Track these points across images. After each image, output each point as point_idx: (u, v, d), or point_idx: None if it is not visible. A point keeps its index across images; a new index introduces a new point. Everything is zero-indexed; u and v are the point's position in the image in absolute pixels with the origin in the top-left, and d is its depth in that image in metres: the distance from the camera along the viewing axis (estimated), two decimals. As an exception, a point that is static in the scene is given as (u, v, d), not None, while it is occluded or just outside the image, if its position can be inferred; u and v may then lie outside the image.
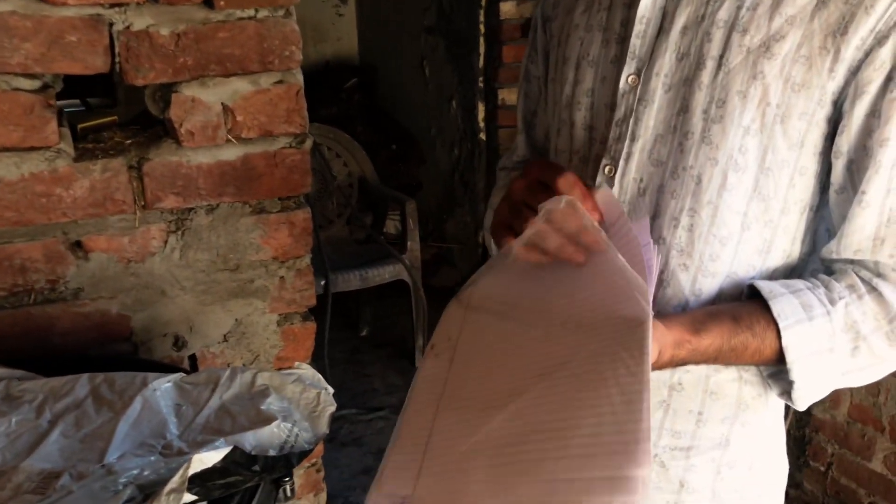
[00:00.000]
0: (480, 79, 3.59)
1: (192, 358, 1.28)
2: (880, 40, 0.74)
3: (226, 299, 1.28)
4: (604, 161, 0.88)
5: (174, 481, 0.72)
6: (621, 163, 0.86)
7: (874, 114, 0.76)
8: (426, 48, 4.01)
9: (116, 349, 1.22)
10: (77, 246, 1.17)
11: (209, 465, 0.77)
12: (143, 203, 1.19)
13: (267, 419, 0.92)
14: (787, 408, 0.92)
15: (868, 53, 0.75)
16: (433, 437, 0.71)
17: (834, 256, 0.82)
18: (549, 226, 0.76)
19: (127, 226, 1.19)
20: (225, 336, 1.29)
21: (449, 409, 0.72)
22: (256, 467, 0.81)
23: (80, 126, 1.22)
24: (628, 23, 0.87)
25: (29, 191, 1.11)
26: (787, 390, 0.84)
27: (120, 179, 1.16)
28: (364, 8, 4.62)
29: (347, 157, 3.43)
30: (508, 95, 3.50)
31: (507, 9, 3.38)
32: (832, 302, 0.79)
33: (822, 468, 2.46)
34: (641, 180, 0.86)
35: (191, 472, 0.74)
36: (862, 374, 0.82)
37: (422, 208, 3.55)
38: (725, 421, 0.90)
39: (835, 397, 2.38)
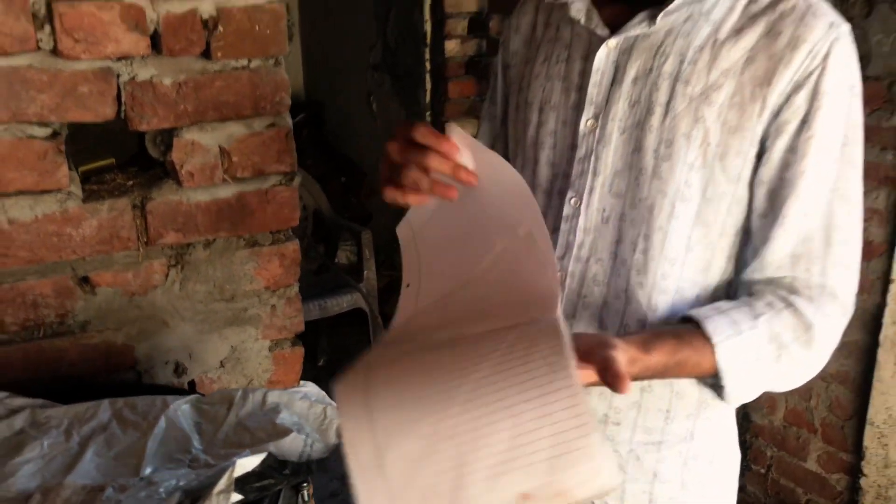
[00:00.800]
0: (428, 113, 3.74)
1: (191, 384, 1.36)
2: (797, 89, 0.89)
3: (222, 327, 1.37)
4: (570, 194, 1.01)
5: (221, 483, 0.82)
6: (585, 195, 1.00)
7: (792, 150, 0.90)
8: (373, 84, 4.15)
9: (122, 377, 1.29)
10: (85, 281, 1.25)
11: (249, 469, 0.86)
12: (146, 240, 1.28)
13: (284, 431, 1.02)
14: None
15: (787, 99, 0.89)
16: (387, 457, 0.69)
17: (756, 276, 0.94)
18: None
19: (131, 261, 1.27)
20: (221, 362, 1.38)
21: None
22: (287, 471, 0.91)
23: (81, 169, 1.30)
24: (585, 74, 1.00)
25: (42, 231, 1.19)
26: (723, 395, 0.95)
27: (125, 218, 1.25)
28: (309, 46, 4.74)
29: (302, 191, 3.52)
30: (455, 128, 3.66)
31: (451, 47, 3.55)
32: (755, 318, 0.90)
33: (763, 471, 2.64)
34: (604, 210, 0.99)
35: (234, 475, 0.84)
36: (787, 378, 0.95)
37: (373, 238, 3.66)
38: (690, 417, 1.03)
39: (771, 404, 2.58)
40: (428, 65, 3.66)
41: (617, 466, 0.70)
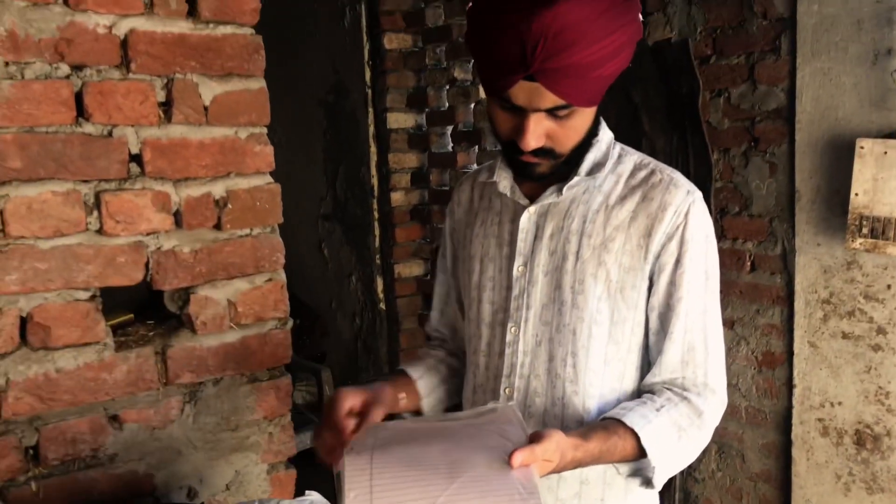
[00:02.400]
0: (377, 257, 4.07)
1: (201, 506, 1.56)
2: (669, 239, 1.22)
3: (228, 454, 1.59)
4: (509, 324, 1.30)
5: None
6: (522, 325, 1.29)
7: (672, 283, 1.22)
8: (324, 233, 4.49)
9: (141, 503, 1.49)
10: (114, 419, 1.47)
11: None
12: (165, 380, 1.51)
13: (299, 531, 1.24)
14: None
15: (663, 246, 1.22)
16: None
17: (656, 380, 1.24)
18: None
19: (153, 399, 1.50)
20: (227, 485, 1.59)
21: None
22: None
23: (107, 324, 1.54)
24: (513, 232, 1.31)
25: (82, 377, 1.42)
26: (646, 479, 1.22)
27: (149, 363, 1.49)
28: (261, 198, 5.06)
29: (262, 335, 3.74)
30: (403, 269, 3.99)
31: (396, 198, 3.92)
32: (657, 410, 1.19)
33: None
34: (537, 335, 1.28)
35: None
36: (688, 454, 1.22)
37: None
38: (619, 501, 1.29)
39: None
40: (376, 213, 4.02)
41: None
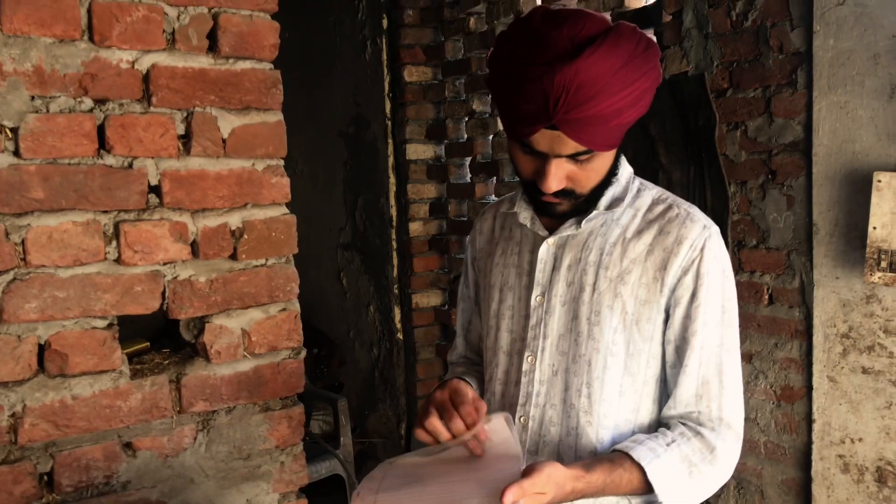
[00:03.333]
0: (395, 286, 4.09)
1: (212, 535, 1.56)
2: (685, 272, 1.23)
3: (240, 483, 1.59)
4: (526, 353, 1.31)
5: None
6: (538, 354, 1.30)
7: (688, 316, 1.23)
8: (343, 262, 4.53)
9: (154, 531, 1.50)
10: (128, 446, 1.48)
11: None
12: (179, 409, 1.53)
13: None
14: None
15: (679, 279, 1.23)
16: None
17: (672, 413, 1.25)
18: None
19: (166, 427, 1.52)
20: (238, 514, 1.60)
21: None
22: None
23: (123, 352, 1.57)
24: (532, 263, 1.33)
25: (97, 404, 1.44)
26: None
27: (163, 391, 1.51)
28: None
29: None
30: (421, 299, 4.01)
31: (415, 228, 3.96)
32: (668, 445, 1.20)
33: None
34: (553, 365, 1.30)
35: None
36: (700, 490, 1.22)
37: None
38: (623, 531, 1.29)
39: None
40: (394, 244, 4.05)
41: None
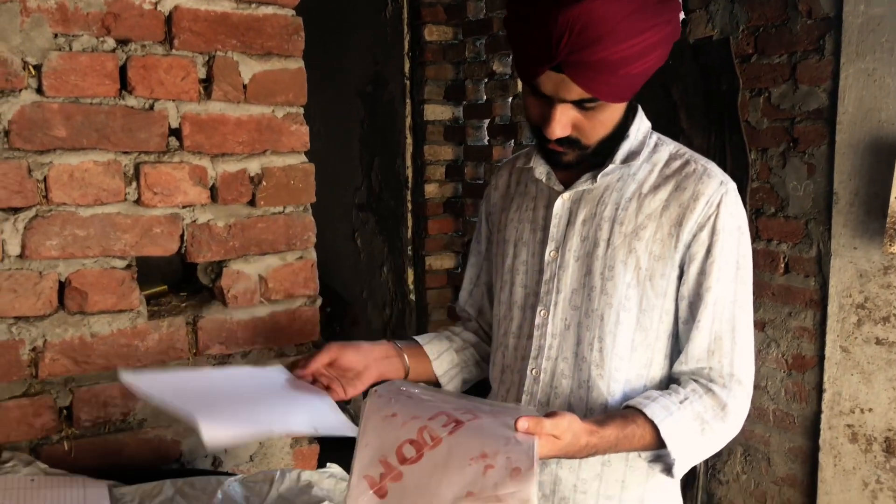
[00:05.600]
0: (409, 248, 4.10)
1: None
2: (700, 228, 1.22)
3: (253, 426, 1.62)
4: (539, 307, 1.31)
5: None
6: (551, 308, 1.30)
7: (702, 272, 1.22)
8: (358, 222, 4.53)
9: (169, 468, 1.52)
10: (145, 385, 1.51)
11: None
12: (195, 351, 1.55)
13: (319, 500, 1.27)
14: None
15: (694, 235, 1.22)
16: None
17: (683, 368, 1.25)
18: None
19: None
20: (251, 457, 1.62)
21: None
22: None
23: (142, 294, 1.58)
24: (547, 218, 1.32)
25: (116, 343, 1.46)
26: (667, 467, 1.22)
27: (180, 333, 1.53)
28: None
29: (293, 320, 3.80)
30: (435, 262, 4.01)
31: (430, 190, 3.95)
32: (681, 402, 1.20)
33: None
34: (566, 319, 1.30)
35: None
36: (711, 445, 1.22)
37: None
38: (640, 485, 1.30)
39: None
40: (409, 205, 4.05)
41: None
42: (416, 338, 1.44)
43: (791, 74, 2.46)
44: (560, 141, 1.19)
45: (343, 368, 1.26)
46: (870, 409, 2.34)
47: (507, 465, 0.92)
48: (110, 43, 1.42)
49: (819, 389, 2.48)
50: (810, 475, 2.54)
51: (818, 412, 2.49)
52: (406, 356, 1.36)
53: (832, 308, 2.41)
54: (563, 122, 1.16)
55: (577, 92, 1.13)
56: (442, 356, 1.43)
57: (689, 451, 1.21)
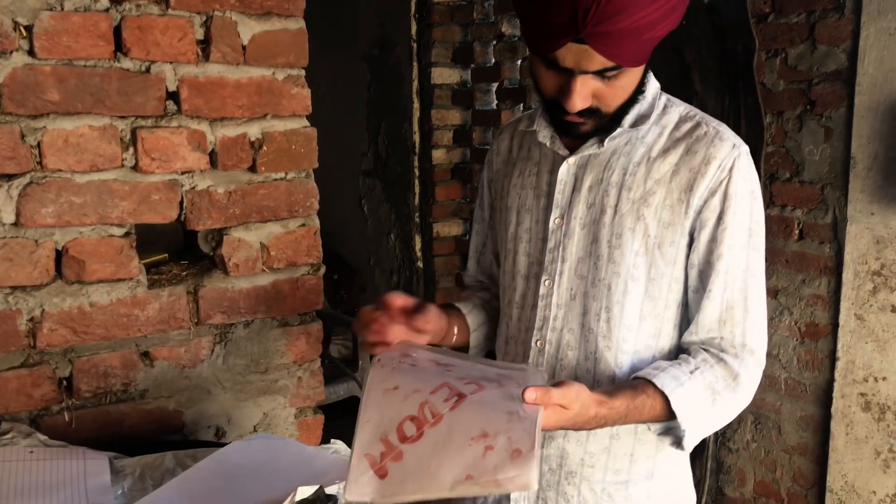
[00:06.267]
0: (416, 215, 4.05)
1: (229, 446, 1.57)
2: (712, 193, 1.17)
3: (256, 396, 1.60)
4: (544, 277, 1.27)
5: (287, 502, 1.04)
6: (556, 278, 1.26)
7: (713, 239, 1.18)
8: (364, 189, 4.49)
9: (171, 438, 1.50)
10: (145, 355, 1.48)
11: (306, 496, 1.08)
12: (196, 320, 1.52)
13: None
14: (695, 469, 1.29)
15: (706, 201, 1.17)
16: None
17: (693, 338, 1.20)
18: None
19: (184, 338, 1.51)
20: (255, 427, 1.60)
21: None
22: (332, 502, 1.13)
23: (141, 262, 1.55)
24: (551, 184, 1.27)
25: (115, 312, 1.43)
26: (676, 440, 1.19)
27: (181, 302, 1.50)
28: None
29: (299, 287, 3.78)
30: (442, 229, 3.97)
31: (438, 155, 3.89)
32: (692, 372, 1.16)
33: (737, 541, 2.82)
34: (571, 289, 1.25)
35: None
36: (722, 417, 1.19)
37: (367, 331, 3.89)
38: (649, 458, 1.26)
39: (741, 477, 2.78)
40: (416, 171, 3.99)
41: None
42: (458, 304, 1.40)
43: (809, 34, 2.38)
44: (580, 112, 1.14)
45: (417, 328, 1.18)
46: (883, 378, 2.31)
47: (507, 446, 0.89)
48: (104, 2, 1.37)
49: (832, 358, 2.44)
50: (822, 444, 2.51)
51: (831, 381, 2.45)
52: (456, 330, 1.33)
53: (847, 275, 2.36)
54: (584, 93, 1.11)
55: (599, 62, 1.07)
56: (479, 328, 1.41)
57: (700, 422, 1.17)
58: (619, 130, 1.20)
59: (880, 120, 2.22)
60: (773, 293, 2.57)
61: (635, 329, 1.22)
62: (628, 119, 1.20)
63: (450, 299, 1.41)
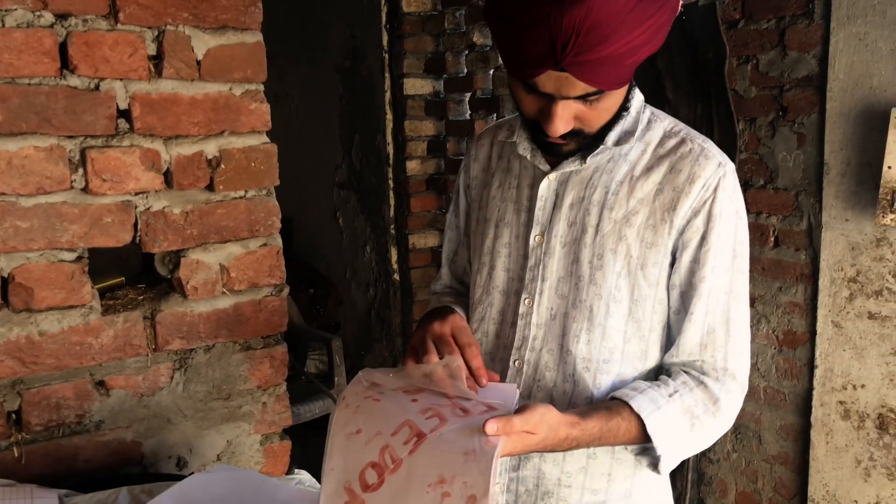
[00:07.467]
0: (392, 226, 4.00)
1: (191, 476, 1.51)
2: (695, 213, 1.13)
3: (219, 424, 1.54)
4: (524, 295, 1.22)
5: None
6: (536, 297, 1.22)
7: (695, 261, 1.14)
8: (339, 201, 4.43)
9: (129, 471, 1.44)
10: (101, 385, 1.42)
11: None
12: (154, 346, 1.46)
13: (284, 505, 1.19)
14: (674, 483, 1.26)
15: (688, 221, 1.13)
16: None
17: (674, 360, 1.17)
18: (444, 370, 1.04)
19: (141, 366, 1.45)
20: (218, 456, 1.54)
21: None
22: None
23: (96, 287, 1.49)
24: (532, 199, 1.23)
25: (67, 341, 1.37)
26: (653, 462, 1.15)
27: (137, 328, 1.44)
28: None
29: (273, 303, 3.70)
30: (418, 240, 3.92)
31: (412, 166, 3.84)
32: (670, 396, 1.12)
33: (720, 553, 2.78)
34: (552, 309, 1.21)
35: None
36: (700, 442, 1.15)
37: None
38: (627, 478, 1.22)
39: (722, 488, 2.75)
40: (391, 182, 3.94)
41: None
42: (456, 309, 1.33)
43: (780, 40, 2.37)
44: (562, 135, 1.10)
45: (463, 343, 1.10)
46: (862, 386, 2.29)
47: (463, 492, 0.87)
48: (48, 17, 1.31)
49: (811, 366, 2.42)
50: (802, 453, 2.48)
51: (810, 389, 2.43)
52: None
53: (823, 282, 2.34)
54: (565, 117, 1.07)
55: (581, 88, 1.03)
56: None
57: (677, 447, 1.13)
58: (601, 148, 1.16)
59: (852, 125, 2.20)
60: (750, 301, 2.54)
61: (620, 351, 1.18)
62: (612, 137, 1.16)
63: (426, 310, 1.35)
